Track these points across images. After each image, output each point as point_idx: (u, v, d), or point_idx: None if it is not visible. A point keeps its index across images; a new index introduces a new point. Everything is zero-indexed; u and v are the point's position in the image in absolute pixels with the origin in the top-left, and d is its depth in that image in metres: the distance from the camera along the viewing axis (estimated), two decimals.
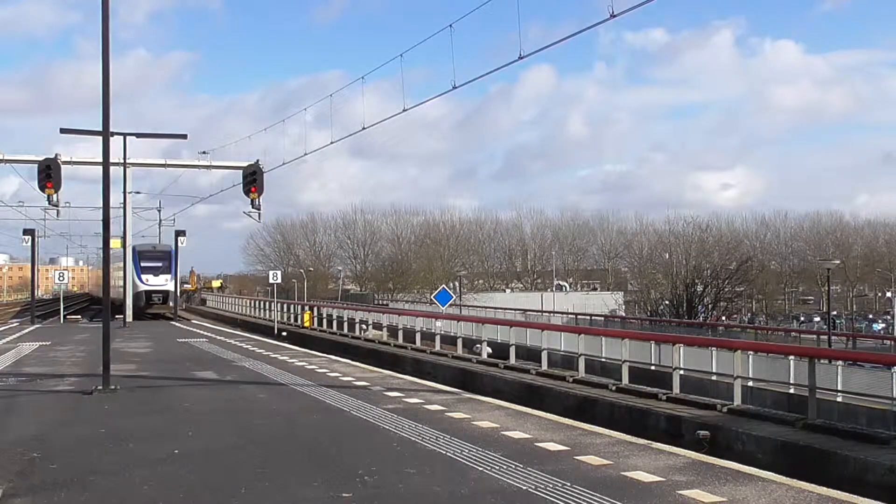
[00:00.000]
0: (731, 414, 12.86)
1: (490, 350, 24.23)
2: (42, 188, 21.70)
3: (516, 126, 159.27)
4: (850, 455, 10.13)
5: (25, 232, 42.83)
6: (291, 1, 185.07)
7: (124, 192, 37.31)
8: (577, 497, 6.86)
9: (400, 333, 30.26)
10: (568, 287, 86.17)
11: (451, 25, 16.76)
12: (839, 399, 18.09)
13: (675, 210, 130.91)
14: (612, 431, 10.34)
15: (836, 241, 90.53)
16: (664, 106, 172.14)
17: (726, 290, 64.21)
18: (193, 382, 15.42)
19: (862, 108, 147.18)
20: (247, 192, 23.06)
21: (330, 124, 24.87)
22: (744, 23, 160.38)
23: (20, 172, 61.43)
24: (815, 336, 43.08)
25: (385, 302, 66.24)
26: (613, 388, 15.73)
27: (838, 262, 60.15)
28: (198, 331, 32.73)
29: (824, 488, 7.30)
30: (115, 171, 23.10)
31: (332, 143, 24.96)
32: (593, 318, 48.93)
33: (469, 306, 58.50)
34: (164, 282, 44.83)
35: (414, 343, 26.95)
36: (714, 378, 18.48)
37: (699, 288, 62.09)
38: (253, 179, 22.90)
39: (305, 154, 27.52)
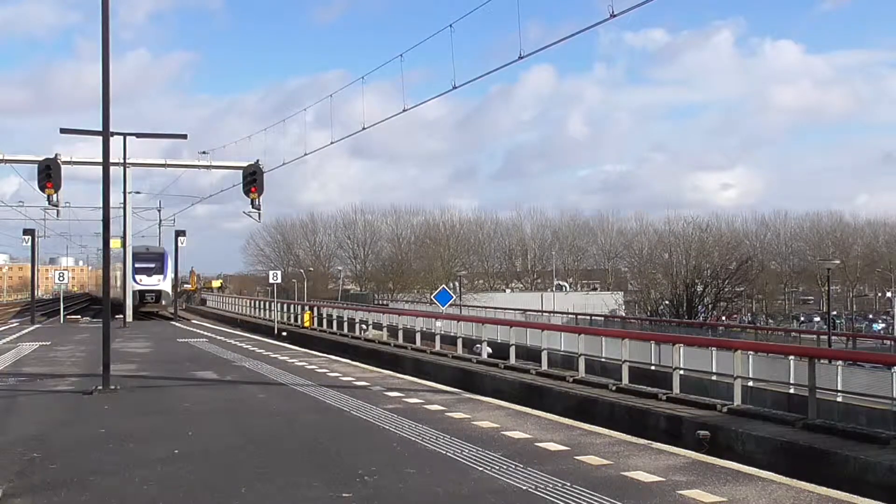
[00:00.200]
0: (731, 414, 12.86)
1: (490, 350, 24.23)
2: (42, 188, 21.71)
3: (516, 126, 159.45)
4: (851, 455, 10.13)
5: (25, 232, 42.85)
6: (291, 1, 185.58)
7: (124, 192, 37.31)
8: (577, 497, 6.86)
9: (400, 333, 30.27)
10: (568, 287, 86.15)
11: (451, 25, 16.80)
12: (839, 399, 18.09)
13: (675, 210, 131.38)
14: (612, 431, 10.34)
15: (836, 241, 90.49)
16: (664, 106, 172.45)
17: (726, 290, 64.27)
18: (193, 382, 15.42)
19: (862, 108, 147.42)
20: (247, 192, 23.07)
21: (330, 124, 24.99)
22: (744, 23, 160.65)
23: (20, 172, 61.61)
24: (815, 336, 43.09)
25: (385, 302, 66.25)
26: (613, 388, 15.73)
27: (838, 262, 60.16)
28: (198, 331, 32.73)
29: (824, 488, 7.30)
30: (115, 171, 23.09)
31: (332, 143, 25.01)
32: (593, 318, 48.93)
33: (469, 306, 58.50)
34: (156, 282, 47.79)
35: (414, 343, 26.95)
36: (714, 378, 18.50)
37: (699, 288, 62.14)
38: (253, 179, 22.91)
39: (305, 154, 27.55)
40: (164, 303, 49.53)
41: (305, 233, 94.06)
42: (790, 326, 66.04)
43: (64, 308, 44.02)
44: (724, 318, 64.89)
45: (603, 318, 50.56)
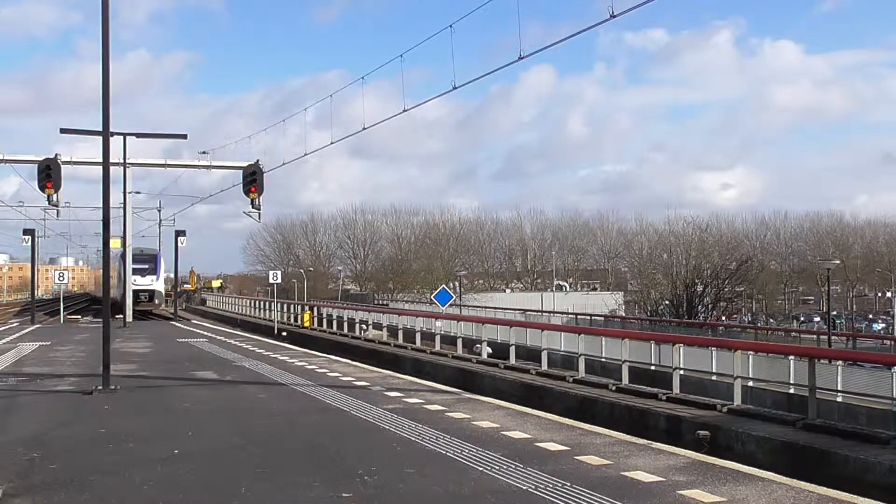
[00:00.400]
0: (731, 414, 12.86)
1: (490, 350, 24.23)
2: (42, 188, 21.71)
3: (516, 126, 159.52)
4: (851, 455, 10.13)
5: (25, 232, 42.90)
6: (291, 1, 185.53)
7: (124, 192, 37.30)
8: (577, 497, 6.86)
9: (400, 333, 30.27)
10: (568, 287, 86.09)
11: (451, 26, 16.78)
12: (839, 399, 18.09)
13: (675, 210, 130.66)
14: (612, 431, 10.34)
15: (836, 241, 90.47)
16: (664, 106, 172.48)
17: (726, 290, 64.19)
18: (193, 382, 15.42)
19: (862, 108, 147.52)
20: (247, 192, 23.07)
21: (330, 124, 24.95)
22: (743, 23, 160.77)
23: (20, 172, 61.61)
24: (815, 336, 43.10)
25: (385, 302, 66.22)
26: (613, 388, 15.72)
27: (838, 262, 60.13)
28: (198, 331, 32.73)
29: (824, 488, 7.30)
30: (115, 171, 23.11)
31: (332, 143, 24.97)
32: (593, 318, 48.91)
33: (469, 306, 58.47)
34: (149, 282, 51.67)
35: (414, 343, 26.95)
36: (714, 378, 18.48)
37: (699, 288, 62.07)
38: (253, 179, 22.91)
39: (305, 154, 27.51)
40: (157, 302, 54.26)
41: (305, 233, 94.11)
42: (790, 326, 66.05)
43: (64, 308, 44.05)
44: (724, 318, 64.87)
45: (603, 318, 50.53)
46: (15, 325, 38.59)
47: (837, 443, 10.71)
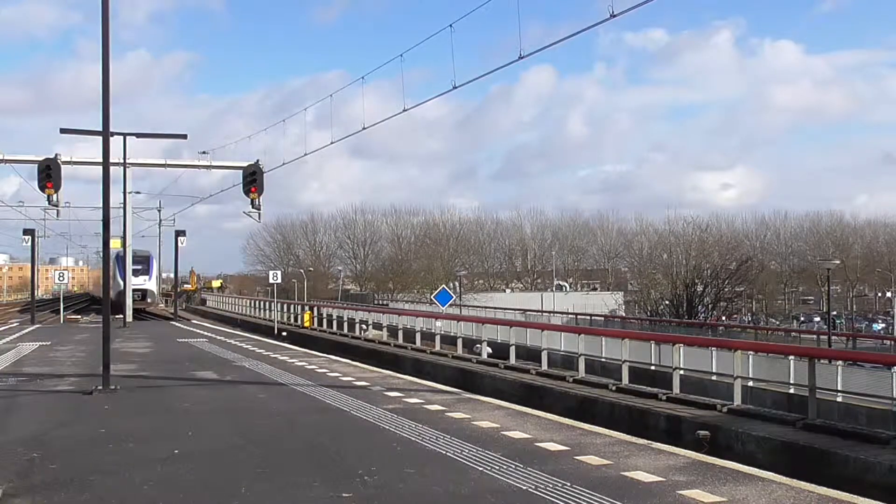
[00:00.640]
0: (731, 414, 12.86)
1: (490, 350, 24.23)
2: (42, 188, 21.70)
3: (516, 126, 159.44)
4: (851, 455, 10.13)
5: (25, 232, 42.89)
6: (291, 1, 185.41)
7: (124, 192, 37.30)
8: (577, 497, 6.86)
9: (400, 333, 30.27)
10: (568, 287, 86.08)
11: (451, 25, 16.75)
12: (839, 399, 18.09)
13: (675, 210, 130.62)
14: (612, 431, 10.34)
15: (836, 241, 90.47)
16: (664, 106, 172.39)
17: (726, 290, 64.16)
18: (193, 382, 15.42)
19: (862, 108, 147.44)
20: (247, 192, 23.07)
21: (330, 124, 24.92)
22: (743, 23, 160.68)
23: (20, 172, 61.66)
24: (815, 336, 43.09)
25: (385, 302, 66.22)
26: (613, 388, 15.73)
27: (838, 262, 60.12)
28: (198, 331, 32.74)
29: (824, 488, 7.30)
30: (115, 171, 23.10)
31: (332, 143, 24.92)
32: (593, 318, 48.91)
33: (469, 306, 58.47)
34: (142, 282, 54.52)
35: (414, 343, 26.95)
36: (714, 378, 18.48)
37: (699, 288, 62.02)
38: (253, 179, 22.91)
39: (305, 154, 27.47)
40: (149, 300, 59.31)
41: (305, 233, 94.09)
42: (790, 326, 66.02)
43: (64, 308, 44.04)
44: (724, 318, 64.85)
45: (603, 318, 50.53)
46: (15, 325, 38.59)
47: (837, 443, 10.71)
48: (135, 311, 48.14)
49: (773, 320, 75.45)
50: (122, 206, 37.75)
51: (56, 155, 25.42)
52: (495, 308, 52.77)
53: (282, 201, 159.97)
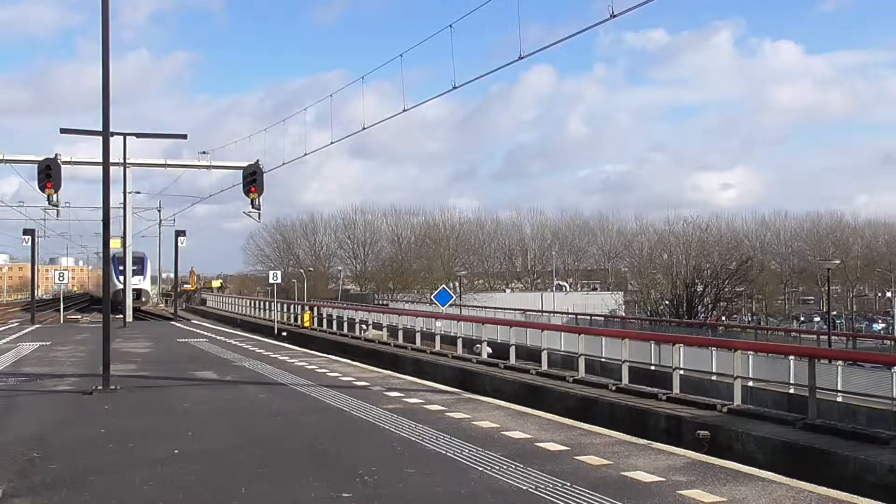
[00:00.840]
0: (731, 414, 12.86)
1: (490, 350, 24.23)
2: (42, 188, 21.71)
3: (516, 126, 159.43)
4: (851, 455, 10.12)
5: (25, 232, 42.89)
6: (291, 1, 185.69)
7: (124, 193, 37.34)
8: (577, 497, 6.86)
9: (400, 333, 30.26)
10: (568, 287, 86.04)
11: (451, 25, 16.76)
12: (839, 399, 18.10)
13: (675, 210, 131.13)
14: (612, 431, 10.34)
15: (836, 241, 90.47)
16: (664, 106, 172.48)
17: (726, 290, 64.20)
18: (193, 382, 15.42)
19: (862, 108, 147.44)
20: (247, 192, 23.05)
21: (330, 124, 24.84)
22: (743, 23, 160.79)
23: (20, 172, 61.77)
24: (815, 336, 43.10)
25: (385, 302, 66.21)
26: (613, 388, 15.72)
27: (838, 262, 60.12)
28: (198, 331, 32.74)
29: (824, 488, 7.30)
30: (115, 171, 23.08)
31: (332, 143, 24.95)
32: (593, 318, 48.92)
33: (469, 306, 58.47)
34: (137, 282, 56.31)
35: (414, 343, 26.95)
36: (714, 378, 18.49)
37: (699, 288, 62.09)
38: (253, 179, 22.89)
39: (305, 154, 27.49)
40: (143, 299, 62.46)
41: (305, 233, 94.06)
42: (790, 326, 66.00)
43: (64, 308, 44.04)
44: (724, 318, 64.85)
45: (603, 318, 50.53)
46: (15, 325, 38.59)
47: (837, 443, 10.71)
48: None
49: (773, 320, 75.44)
50: (122, 206, 37.80)
51: (56, 155, 25.42)
52: (495, 308, 52.77)
53: (282, 201, 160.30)
